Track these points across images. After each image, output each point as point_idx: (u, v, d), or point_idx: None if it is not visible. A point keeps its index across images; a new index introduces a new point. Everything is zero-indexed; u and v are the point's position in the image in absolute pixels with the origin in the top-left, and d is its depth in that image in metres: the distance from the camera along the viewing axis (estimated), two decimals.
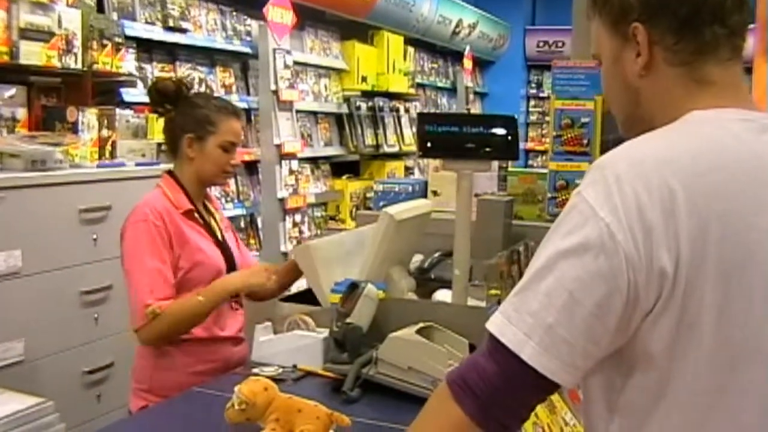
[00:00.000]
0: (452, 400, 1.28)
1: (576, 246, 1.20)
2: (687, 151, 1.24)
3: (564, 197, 3.01)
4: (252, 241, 5.71)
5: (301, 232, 5.73)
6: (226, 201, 5.40)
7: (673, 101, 1.35)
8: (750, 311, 1.20)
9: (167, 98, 2.85)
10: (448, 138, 2.46)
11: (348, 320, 2.35)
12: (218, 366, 2.72)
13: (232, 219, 3.19)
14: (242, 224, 5.62)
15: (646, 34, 1.34)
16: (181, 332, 2.69)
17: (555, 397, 2.30)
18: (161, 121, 2.97)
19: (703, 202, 1.19)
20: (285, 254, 5.47)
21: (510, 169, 3.46)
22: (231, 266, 2.88)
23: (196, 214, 2.83)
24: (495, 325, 1.25)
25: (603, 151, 3.01)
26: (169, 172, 2.88)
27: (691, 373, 1.22)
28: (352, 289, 2.42)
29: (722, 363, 1.21)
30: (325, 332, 2.48)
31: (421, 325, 2.30)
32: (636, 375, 1.26)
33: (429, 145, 2.48)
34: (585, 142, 3.00)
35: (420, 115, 2.63)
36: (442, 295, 2.67)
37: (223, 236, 2.93)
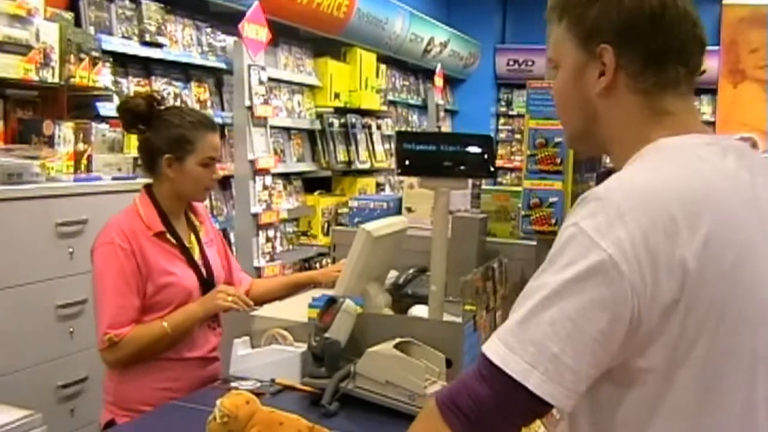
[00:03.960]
0: (441, 421, 1.29)
1: (578, 276, 1.23)
2: (676, 178, 1.29)
3: (537, 215, 3.06)
4: None
5: (273, 247, 5.75)
6: None
7: (634, 126, 1.40)
8: (740, 320, 1.26)
9: (140, 118, 2.79)
10: (426, 156, 2.51)
11: (326, 335, 2.37)
12: (184, 385, 2.69)
13: None
14: None
15: (614, 57, 1.39)
16: (147, 356, 2.69)
17: None
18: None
19: (699, 225, 1.24)
20: (258, 269, 5.49)
21: (483, 186, 3.51)
22: (208, 285, 2.84)
23: (168, 235, 2.78)
24: (496, 354, 1.26)
25: (576, 170, 3.07)
26: (148, 188, 2.84)
27: (682, 386, 1.26)
28: (330, 304, 2.45)
29: (711, 373, 1.26)
30: (303, 347, 2.51)
31: (398, 340, 2.34)
32: (631, 391, 1.29)
33: (407, 163, 2.53)
34: (558, 161, 3.05)
35: (398, 133, 2.67)
36: (418, 311, 2.70)
37: (203, 253, 2.89)
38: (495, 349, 1.27)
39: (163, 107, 2.87)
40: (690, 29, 1.38)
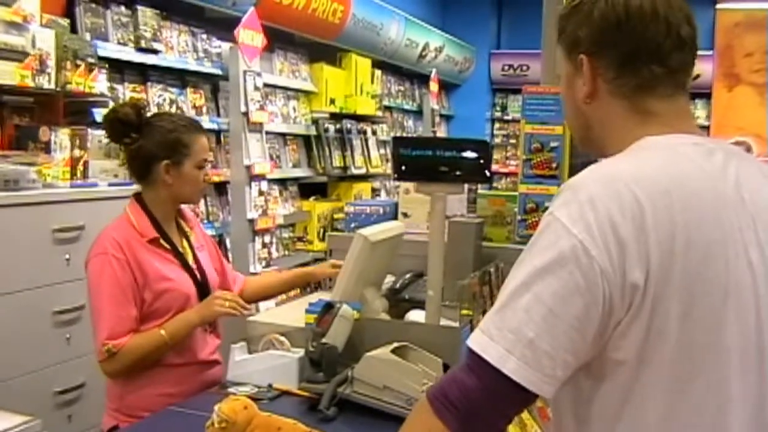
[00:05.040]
0: (433, 415, 1.32)
1: (551, 262, 1.27)
2: (650, 171, 1.33)
3: (533, 219, 3.08)
4: None
5: (270, 253, 5.75)
6: None
7: (621, 129, 1.46)
8: (710, 316, 1.29)
9: (130, 126, 2.75)
10: (422, 161, 2.52)
11: (324, 340, 2.38)
12: (188, 388, 2.69)
13: None
14: None
15: (590, 66, 1.46)
16: (146, 364, 2.68)
17: (525, 415, 2.35)
18: None
19: (667, 216, 1.27)
20: (254, 275, 5.48)
21: (479, 191, 3.52)
22: (203, 289, 2.83)
23: (162, 240, 2.77)
24: (477, 343, 1.30)
25: (572, 174, 3.07)
26: (137, 196, 2.83)
27: (656, 376, 1.29)
28: (328, 309, 2.46)
29: (684, 365, 1.29)
30: (300, 352, 2.51)
31: (395, 344, 2.34)
32: (605, 383, 1.32)
33: (403, 168, 2.53)
34: (554, 165, 3.07)
35: (395, 139, 2.67)
36: (415, 316, 2.71)
37: (196, 258, 2.88)
38: (475, 338, 1.31)
39: (149, 114, 2.86)
40: (662, 29, 1.42)
